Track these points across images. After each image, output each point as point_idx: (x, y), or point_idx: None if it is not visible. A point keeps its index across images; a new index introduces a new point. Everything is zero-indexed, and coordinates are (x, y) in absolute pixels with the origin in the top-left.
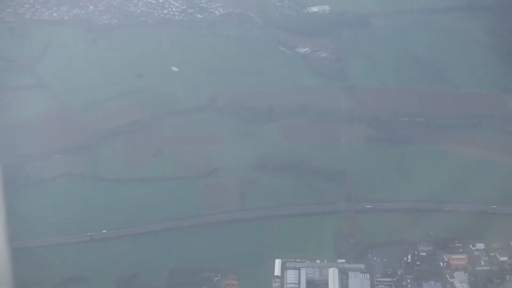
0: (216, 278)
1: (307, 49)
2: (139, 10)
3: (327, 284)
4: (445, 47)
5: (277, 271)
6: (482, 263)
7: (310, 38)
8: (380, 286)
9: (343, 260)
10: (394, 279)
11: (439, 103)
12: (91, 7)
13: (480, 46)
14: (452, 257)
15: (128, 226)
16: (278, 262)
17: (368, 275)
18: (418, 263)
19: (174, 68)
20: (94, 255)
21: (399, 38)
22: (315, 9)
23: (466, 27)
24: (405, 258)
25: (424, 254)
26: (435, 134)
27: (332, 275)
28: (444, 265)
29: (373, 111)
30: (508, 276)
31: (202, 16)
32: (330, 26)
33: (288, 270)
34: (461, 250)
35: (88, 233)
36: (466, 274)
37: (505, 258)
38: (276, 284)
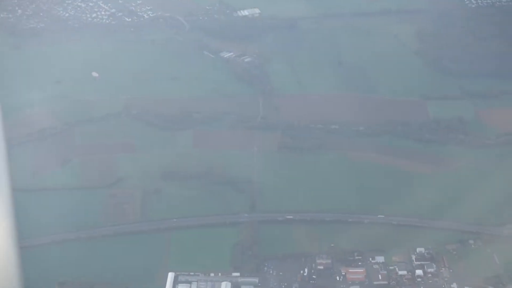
0: None
1: (231, 53)
2: (67, 14)
3: None
4: (372, 52)
5: (168, 285)
6: (380, 277)
7: (236, 42)
8: None
9: (238, 274)
10: None
11: (357, 110)
12: (19, 11)
13: (406, 51)
14: (350, 270)
15: (21, 238)
16: (170, 276)
17: None
18: (314, 276)
19: (95, 74)
20: None
21: (327, 43)
22: (245, 12)
23: (395, 31)
24: (301, 272)
25: (321, 267)
26: (348, 142)
27: None
28: (341, 279)
29: (289, 118)
30: None
31: (130, 19)
32: (258, 30)
33: (179, 284)
34: (360, 263)
35: None
36: None
37: (404, 272)
38: None
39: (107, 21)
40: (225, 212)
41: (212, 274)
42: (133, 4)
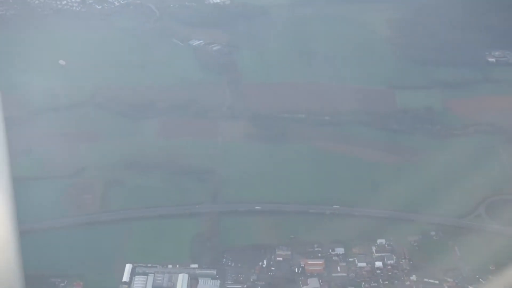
0: (62, 284)
1: (200, 41)
2: (37, 1)
3: None
4: (342, 40)
5: (125, 277)
6: (339, 269)
7: (206, 30)
8: None
9: (196, 265)
10: (245, 286)
11: (325, 98)
12: None
13: (377, 40)
14: (309, 262)
15: None
16: (128, 267)
17: (218, 282)
18: (273, 268)
19: (62, 62)
20: None
21: (297, 31)
22: (216, 0)
23: (366, 19)
24: (260, 263)
25: (280, 259)
26: (314, 131)
27: (181, 281)
28: (300, 271)
29: (256, 107)
30: (363, 283)
31: (100, 7)
32: (229, 17)
33: (136, 276)
34: (320, 255)
35: None
36: (320, 280)
37: (363, 264)
38: None
39: (77, 9)
40: (187, 203)
41: (170, 266)
42: None
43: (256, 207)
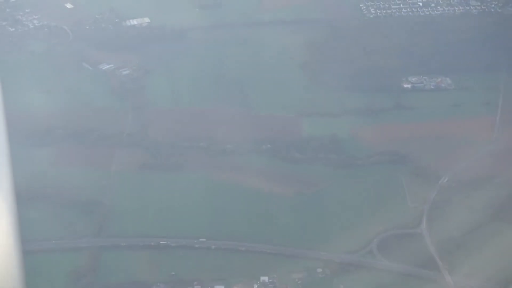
0: None
1: (111, 65)
2: None
3: None
4: (256, 65)
5: None
6: None
7: (119, 53)
8: None
9: None
10: None
11: (230, 126)
12: None
13: (292, 65)
14: None
15: None
16: None
17: None
18: None
19: None
20: None
21: (212, 55)
22: (134, 22)
23: (286, 43)
24: None
25: None
26: (213, 161)
27: None
28: None
29: (157, 135)
30: None
31: (13, 29)
32: (144, 40)
33: None
34: None
35: None
36: None
37: None
38: None
39: None
40: (69, 237)
41: None
42: (21, 13)
43: (162, 242)
